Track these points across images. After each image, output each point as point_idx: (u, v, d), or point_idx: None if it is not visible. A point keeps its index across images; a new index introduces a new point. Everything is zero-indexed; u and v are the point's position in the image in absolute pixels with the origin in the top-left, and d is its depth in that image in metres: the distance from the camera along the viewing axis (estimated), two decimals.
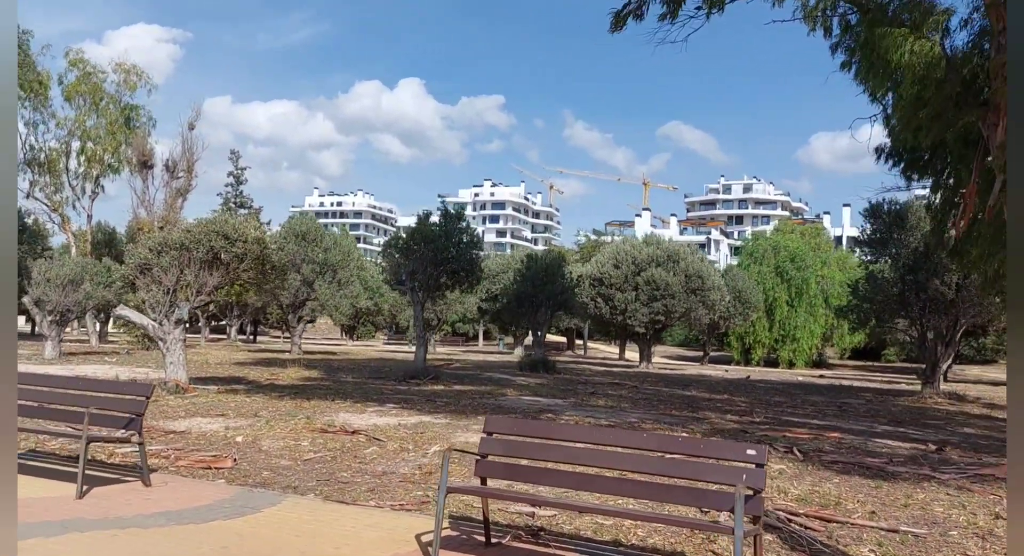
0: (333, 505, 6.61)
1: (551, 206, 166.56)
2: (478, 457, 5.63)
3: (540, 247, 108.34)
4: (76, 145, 32.43)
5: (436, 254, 20.67)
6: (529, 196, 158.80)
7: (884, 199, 21.94)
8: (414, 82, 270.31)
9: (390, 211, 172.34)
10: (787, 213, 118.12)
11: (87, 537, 5.43)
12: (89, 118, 31.91)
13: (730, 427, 12.31)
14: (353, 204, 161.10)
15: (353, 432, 9.87)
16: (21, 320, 69.23)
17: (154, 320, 13.57)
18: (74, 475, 7.36)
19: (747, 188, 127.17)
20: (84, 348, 27.78)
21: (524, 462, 5.76)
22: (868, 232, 22.76)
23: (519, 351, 47.50)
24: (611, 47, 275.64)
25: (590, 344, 59.93)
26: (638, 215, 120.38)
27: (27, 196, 33.67)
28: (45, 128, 32.37)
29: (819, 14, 16.15)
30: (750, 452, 4.85)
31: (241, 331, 49.27)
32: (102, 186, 33.20)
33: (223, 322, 49.42)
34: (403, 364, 26.33)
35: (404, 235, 21.05)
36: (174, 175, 29.86)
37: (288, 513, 6.28)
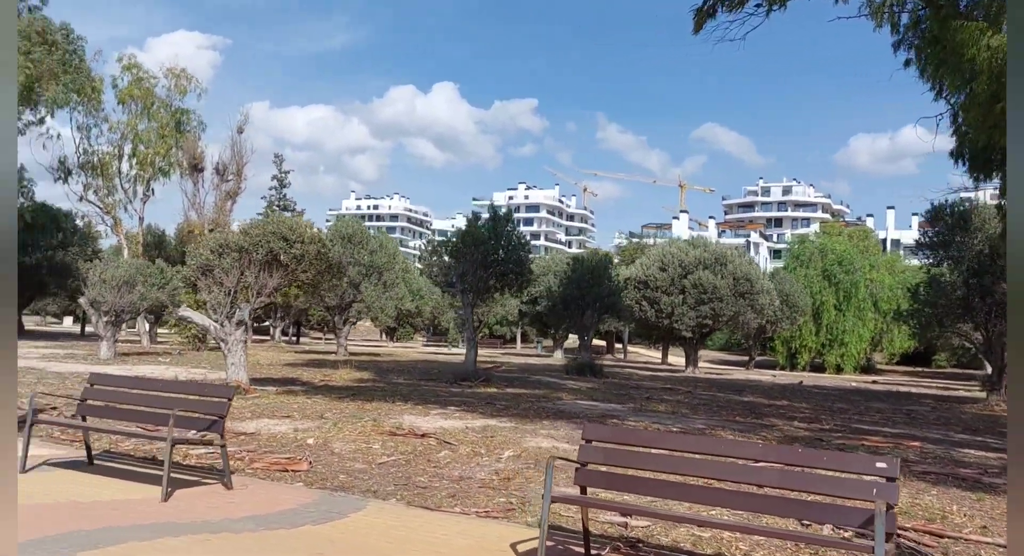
0: (417, 511, 6.46)
1: (585, 209, 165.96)
2: (578, 465, 5.41)
3: (575, 250, 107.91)
4: (128, 148, 32.98)
5: (485, 256, 20.54)
6: (563, 199, 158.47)
7: (947, 200, 21.29)
8: (448, 86, 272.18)
9: (425, 215, 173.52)
10: (828, 216, 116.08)
11: (179, 542, 5.33)
12: (141, 122, 32.46)
13: (802, 435, 11.94)
14: (389, 208, 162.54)
15: (422, 435, 9.73)
16: (68, 320, 70.77)
17: (216, 321, 13.60)
18: (151, 476, 7.34)
19: (786, 190, 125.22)
20: (136, 349, 28.19)
21: (629, 472, 5.53)
22: (930, 235, 22.08)
23: (558, 354, 47.23)
24: (644, 49, 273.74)
25: (630, 348, 59.42)
26: (675, 218, 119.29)
27: (80, 199, 34.36)
28: (98, 131, 33.02)
29: (886, 10, 15.63)
30: (880, 465, 4.56)
31: (283, 332, 49.73)
32: (152, 189, 33.77)
33: (266, 323, 49.91)
34: (451, 366, 26.25)
35: (454, 237, 20.96)
36: (224, 178, 30.21)
37: (374, 518, 6.14)
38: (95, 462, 7.75)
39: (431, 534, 5.76)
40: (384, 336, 71.24)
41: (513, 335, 63.92)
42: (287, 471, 7.80)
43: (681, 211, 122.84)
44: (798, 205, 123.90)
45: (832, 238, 53.05)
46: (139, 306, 23.24)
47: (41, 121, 29.42)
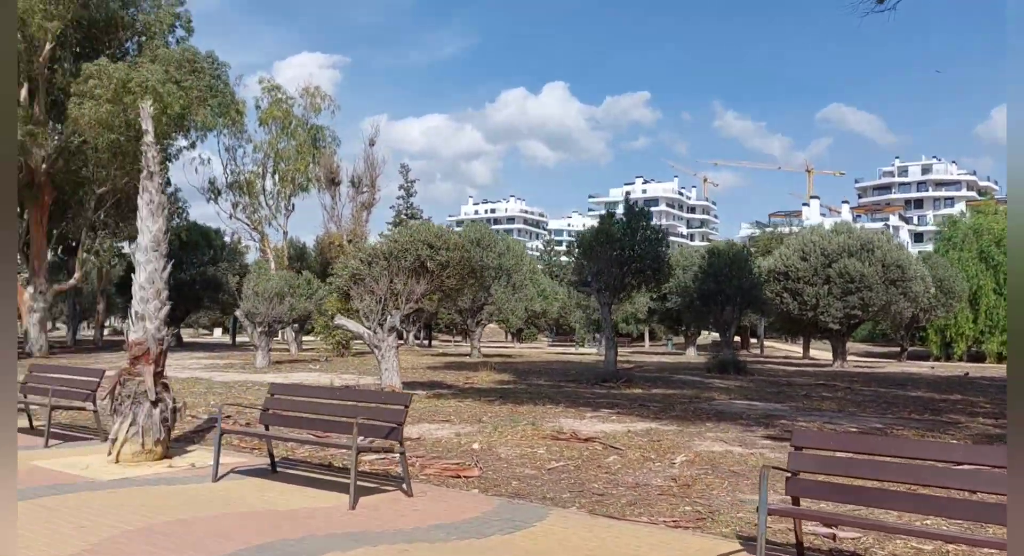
0: (602, 520, 6.23)
1: (706, 200, 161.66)
2: (788, 474, 5.02)
3: (698, 242, 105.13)
4: (270, 166, 34.86)
5: (621, 253, 20.13)
6: (683, 191, 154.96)
7: None
8: (559, 86, 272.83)
9: (541, 215, 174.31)
10: (974, 194, 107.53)
11: (378, 551, 5.33)
12: (281, 140, 34.27)
13: (995, 432, 10.88)
14: (506, 210, 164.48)
15: (586, 439, 9.51)
16: (218, 332, 75.24)
17: (368, 328, 13.94)
18: (333, 483, 7.49)
19: (926, 169, 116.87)
20: (286, 357, 29.59)
21: (841, 480, 5.07)
22: None
23: (691, 351, 46.00)
24: (759, 33, 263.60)
25: (765, 342, 57.14)
26: (805, 204, 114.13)
27: (230, 216, 36.69)
28: (243, 152, 35.19)
29: None
30: None
31: (415, 335, 51.06)
32: (293, 204, 35.53)
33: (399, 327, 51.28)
34: (587, 367, 26.01)
35: (588, 235, 20.68)
36: (359, 190, 31.40)
37: (561, 528, 5.96)
38: (277, 469, 8.01)
39: (626, 545, 5.52)
40: (509, 337, 71.90)
41: (640, 333, 62.89)
42: (459, 477, 7.78)
43: (811, 197, 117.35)
44: (939, 184, 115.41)
45: (987, 217, 48.96)
46: (289, 316, 24.34)
47: (192, 146, 31.67)
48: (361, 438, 8.05)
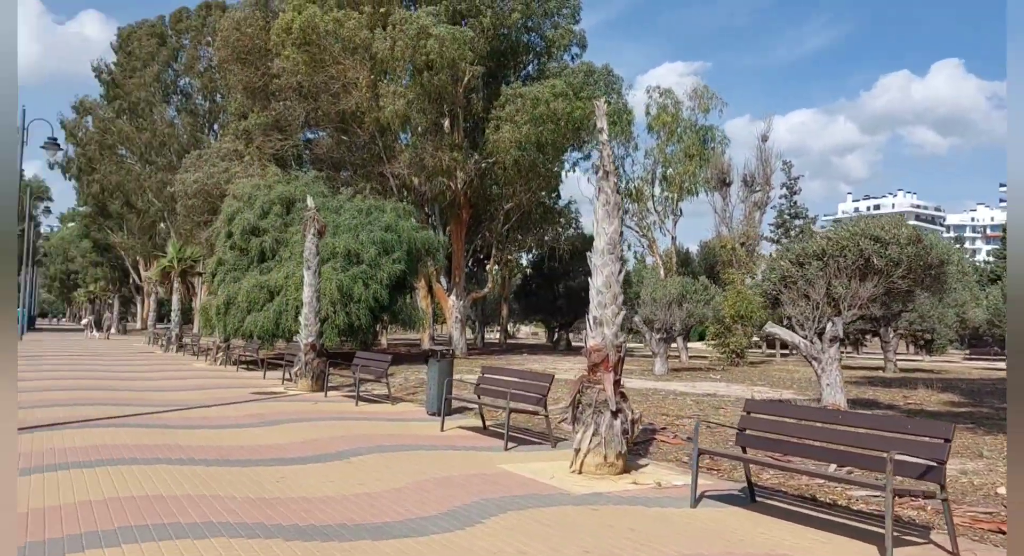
0: None
1: None
2: None
3: None
4: (659, 172, 35.01)
5: None
6: None
7: None
8: (950, 64, 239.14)
9: (937, 209, 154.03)
10: None
11: None
12: (668, 145, 34.16)
13: None
14: (892, 206, 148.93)
15: None
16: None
17: (804, 338, 12.40)
18: (832, 523, 6.27)
19: None
20: (677, 364, 29.03)
21: None
22: None
23: None
24: None
25: None
26: None
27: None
28: (631, 160, 35.87)
29: None
30: None
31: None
32: (680, 209, 35.16)
33: None
34: None
35: None
36: (751, 189, 29.69)
37: None
38: (756, 498, 6.99)
39: None
40: (912, 349, 63.16)
41: None
42: (1003, 533, 5.95)
43: None
44: None
45: None
46: (687, 323, 23.65)
47: (587, 157, 33.01)
48: (859, 472, 6.71)
